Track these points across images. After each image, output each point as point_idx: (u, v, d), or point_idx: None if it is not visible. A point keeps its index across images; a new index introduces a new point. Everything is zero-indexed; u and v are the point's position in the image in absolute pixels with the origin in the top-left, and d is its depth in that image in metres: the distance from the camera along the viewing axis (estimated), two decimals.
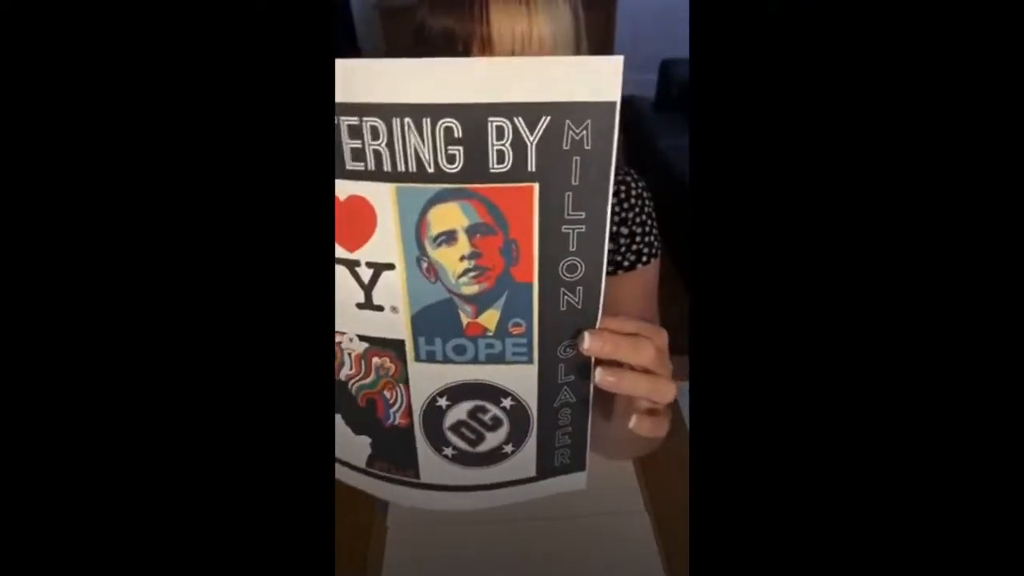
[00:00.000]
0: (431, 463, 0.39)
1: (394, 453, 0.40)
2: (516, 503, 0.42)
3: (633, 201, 0.62)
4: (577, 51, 0.49)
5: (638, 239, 0.61)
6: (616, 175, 0.61)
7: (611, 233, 0.61)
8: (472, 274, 0.33)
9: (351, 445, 0.40)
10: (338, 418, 0.39)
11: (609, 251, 0.61)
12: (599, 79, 0.27)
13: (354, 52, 2.79)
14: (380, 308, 0.34)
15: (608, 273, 0.61)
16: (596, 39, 2.79)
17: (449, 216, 0.31)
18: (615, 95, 0.28)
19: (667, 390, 0.38)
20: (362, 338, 0.36)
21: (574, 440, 0.39)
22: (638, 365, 0.37)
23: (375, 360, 0.37)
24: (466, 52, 0.45)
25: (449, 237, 0.32)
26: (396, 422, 0.38)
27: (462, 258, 0.32)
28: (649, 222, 0.62)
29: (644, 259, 0.61)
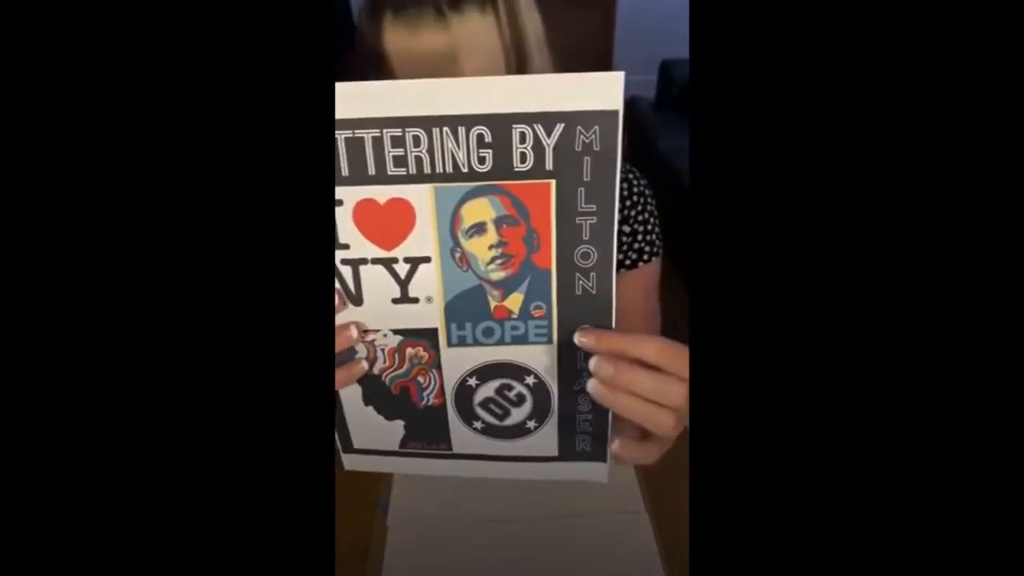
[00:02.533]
0: (462, 435, 0.44)
1: (428, 431, 0.44)
2: (534, 502, 0.42)
3: (636, 199, 0.62)
4: (520, 63, 0.48)
5: (640, 237, 0.61)
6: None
7: None
8: (499, 261, 0.38)
9: (383, 431, 0.44)
10: (369, 409, 0.43)
11: None
12: (603, 91, 0.33)
13: (354, 54, 2.78)
14: (415, 300, 0.39)
15: None
16: (595, 40, 2.79)
17: (480, 210, 0.36)
18: (618, 104, 0.33)
19: (665, 421, 0.36)
20: (396, 332, 0.41)
21: (595, 429, 0.43)
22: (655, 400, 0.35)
23: (409, 351, 0.41)
24: (378, 70, 0.47)
25: (479, 228, 0.37)
26: (430, 403, 0.43)
27: (491, 247, 0.37)
28: (651, 220, 0.62)
29: (646, 257, 0.61)
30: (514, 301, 0.39)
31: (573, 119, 0.33)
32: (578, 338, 0.37)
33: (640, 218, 0.61)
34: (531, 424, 0.43)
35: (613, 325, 0.38)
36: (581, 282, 0.38)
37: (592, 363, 0.36)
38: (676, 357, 0.35)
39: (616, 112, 0.33)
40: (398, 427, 0.44)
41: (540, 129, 0.34)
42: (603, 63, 2.88)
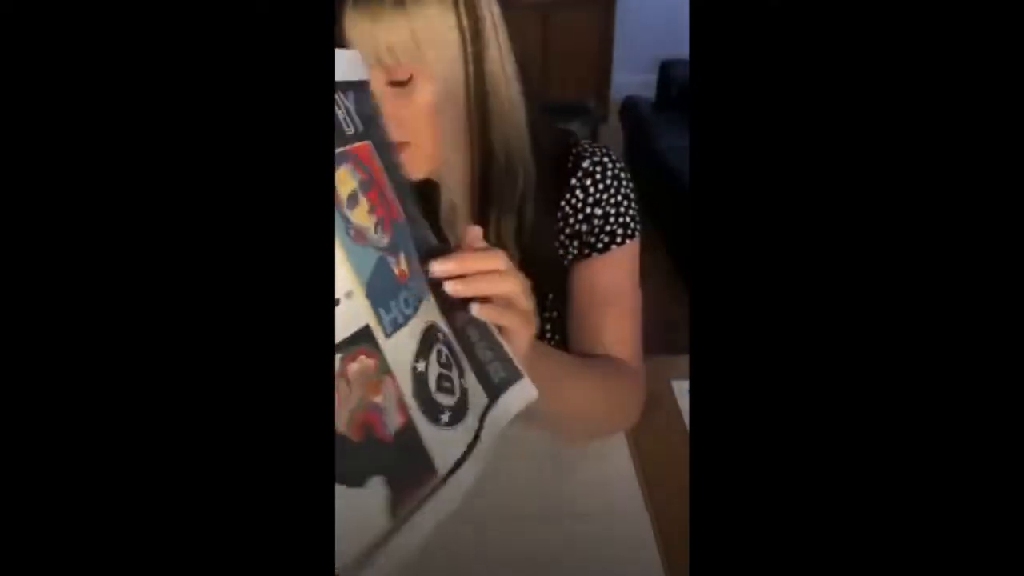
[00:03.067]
0: (437, 443, 0.38)
1: (410, 467, 0.37)
2: (533, 501, 0.41)
3: (609, 182, 0.62)
4: (477, 51, 0.49)
5: (612, 220, 0.61)
6: (593, 156, 0.62)
7: (584, 215, 0.61)
8: (380, 225, 0.37)
9: (364, 510, 0.34)
10: (340, 505, 0.32)
11: (582, 233, 0.61)
12: (355, 65, 0.38)
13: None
14: (336, 302, 0.34)
15: (584, 256, 0.61)
16: (595, 40, 2.79)
17: (345, 179, 0.36)
18: (364, 75, 0.39)
19: (513, 285, 0.42)
20: None
21: (495, 350, 0.43)
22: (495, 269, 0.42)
23: (352, 367, 0.34)
24: None
25: (353, 199, 0.36)
26: (397, 427, 0.36)
27: (368, 213, 0.36)
28: (625, 202, 0.62)
29: (619, 240, 0.61)
30: (404, 261, 0.38)
31: (356, 87, 0.37)
32: (432, 270, 0.40)
33: (612, 200, 0.61)
34: (462, 382, 0.40)
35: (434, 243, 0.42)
36: (411, 225, 0.41)
37: (436, 267, 0.40)
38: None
39: (366, 80, 0.39)
40: (380, 490, 0.34)
41: (347, 96, 0.37)
42: (603, 63, 2.88)
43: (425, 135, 0.51)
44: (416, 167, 0.54)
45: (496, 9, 0.49)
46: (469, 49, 0.48)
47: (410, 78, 0.48)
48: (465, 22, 0.47)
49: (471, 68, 0.49)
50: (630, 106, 2.38)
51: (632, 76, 2.96)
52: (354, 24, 0.45)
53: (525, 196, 0.56)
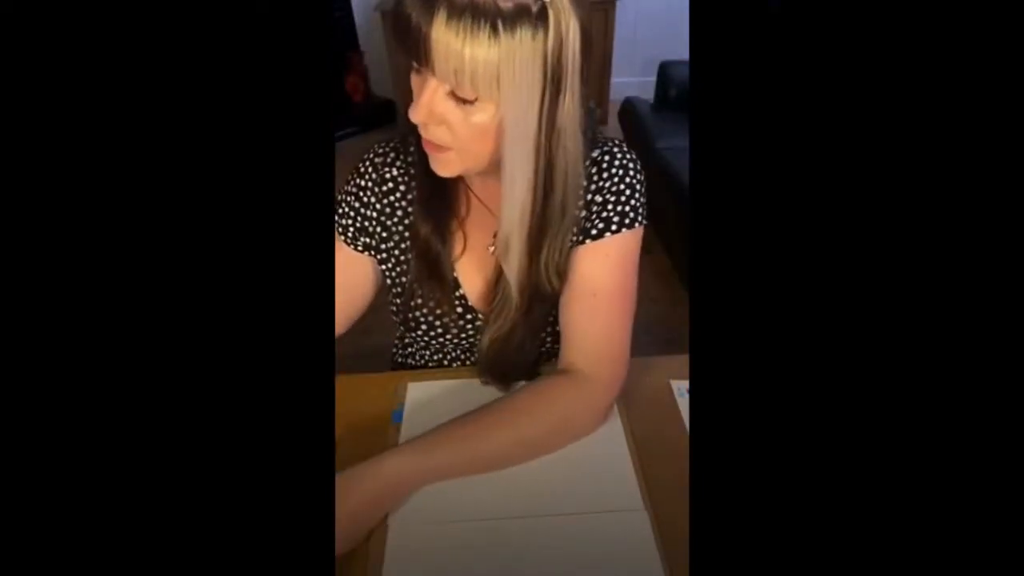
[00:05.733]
0: None
1: None
2: (533, 500, 0.42)
3: (614, 171, 0.63)
4: (554, 93, 0.50)
5: (609, 207, 0.62)
6: (604, 146, 0.63)
7: (584, 201, 0.61)
8: None
9: None
10: None
11: (579, 219, 0.62)
12: None
13: (356, 54, 2.79)
14: None
15: (576, 242, 0.62)
16: (594, 42, 2.80)
17: None
18: None
19: None
20: None
21: None
22: None
23: None
24: (419, 55, 0.48)
25: None
26: None
27: None
28: (627, 192, 0.63)
29: (613, 227, 0.62)
30: None
31: None
32: None
33: (614, 189, 0.62)
34: None
35: None
36: None
37: None
38: None
39: None
40: None
41: None
42: (602, 64, 2.88)
43: (470, 146, 0.52)
44: (451, 167, 0.55)
45: (578, 60, 0.50)
46: (548, 93, 0.49)
47: (475, 99, 0.49)
48: (550, 68, 0.48)
49: (546, 113, 0.50)
50: (629, 107, 2.38)
51: (631, 77, 2.97)
52: (442, 39, 0.45)
53: (569, 227, 0.58)
